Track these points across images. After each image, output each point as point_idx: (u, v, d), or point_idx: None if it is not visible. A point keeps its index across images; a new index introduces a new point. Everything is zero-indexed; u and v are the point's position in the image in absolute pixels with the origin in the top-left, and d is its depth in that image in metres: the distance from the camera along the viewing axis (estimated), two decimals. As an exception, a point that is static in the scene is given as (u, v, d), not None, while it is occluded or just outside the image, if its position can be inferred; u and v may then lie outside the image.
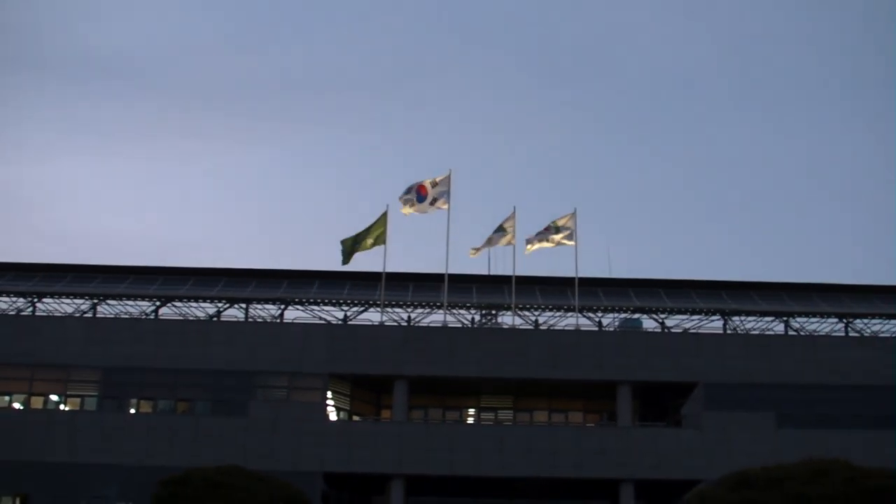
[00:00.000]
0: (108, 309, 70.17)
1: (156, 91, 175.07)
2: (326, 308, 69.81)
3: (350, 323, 68.27)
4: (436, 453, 61.53)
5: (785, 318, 69.83)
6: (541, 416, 67.92)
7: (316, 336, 64.39)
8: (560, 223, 67.49)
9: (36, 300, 69.43)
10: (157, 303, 69.45)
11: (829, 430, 61.19)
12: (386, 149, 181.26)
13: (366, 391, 67.14)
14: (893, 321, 70.37)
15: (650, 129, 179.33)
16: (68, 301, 70.09)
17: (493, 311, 70.28)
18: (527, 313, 70.11)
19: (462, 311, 70.19)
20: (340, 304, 69.79)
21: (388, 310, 69.10)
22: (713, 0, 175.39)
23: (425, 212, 66.70)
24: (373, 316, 68.52)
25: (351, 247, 66.07)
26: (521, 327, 68.23)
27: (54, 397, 64.45)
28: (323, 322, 68.31)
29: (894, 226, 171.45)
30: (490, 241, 67.25)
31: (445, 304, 67.07)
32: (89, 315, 68.99)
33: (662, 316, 70.21)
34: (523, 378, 64.21)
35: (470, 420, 68.14)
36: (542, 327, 69.31)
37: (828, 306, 70.78)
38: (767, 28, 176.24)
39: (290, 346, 63.66)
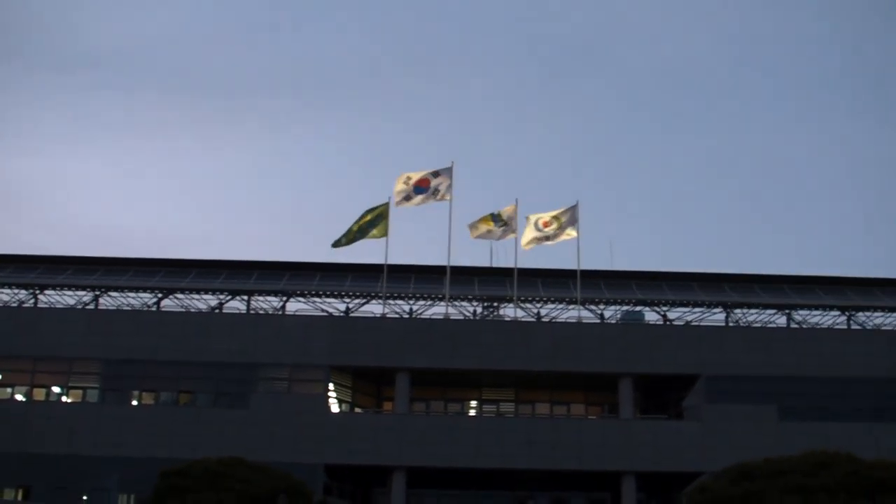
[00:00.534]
0: (109, 301, 70.17)
1: (158, 84, 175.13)
2: (328, 300, 69.80)
3: (352, 315, 68.22)
4: (437, 445, 61.51)
5: (787, 311, 69.78)
6: (542, 409, 67.88)
7: (317, 328, 64.39)
8: (557, 215, 67.43)
9: (38, 292, 69.41)
10: (159, 295, 69.41)
11: (831, 422, 61.17)
12: (388, 140, 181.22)
13: (367, 383, 67.13)
14: (895, 314, 70.29)
15: (653, 121, 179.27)
16: (70, 293, 70.10)
17: (495, 304, 70.23)
18: (529, 305, 70.08)
19: (464, 304, 70.16)
20: (342, 297, 69.73)
21: (390, 302, 69.09)
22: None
23: (427, 203, 66.69)
24: (374, 308, 68.66)
25: (346, 231, 66.04)
26: (522, 319, 68.19)
27: (56, 389, 64.46)
28: (324, 314, 68.28)
29: (893, 218, 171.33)
30: (490, 230, 67.10)
31: (447, 296, 67.03)
32: (91, 307, 68.97)
33: (664, 308, 70.16)
34: (525, 370, 64.21)
35: (471, 412, 68.09)
36: (543, 320, 69.27)
37: (830, 299, 70.72)
38: (769, 20, 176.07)
39: (292, 338, 63.65)
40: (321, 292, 69.57)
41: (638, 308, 70.67)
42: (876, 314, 70.38)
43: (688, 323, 69.08)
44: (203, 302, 69.96)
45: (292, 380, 63.33)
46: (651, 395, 67.23)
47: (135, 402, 63.70)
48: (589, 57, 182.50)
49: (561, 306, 70.32)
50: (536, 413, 67.37)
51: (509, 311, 69.63)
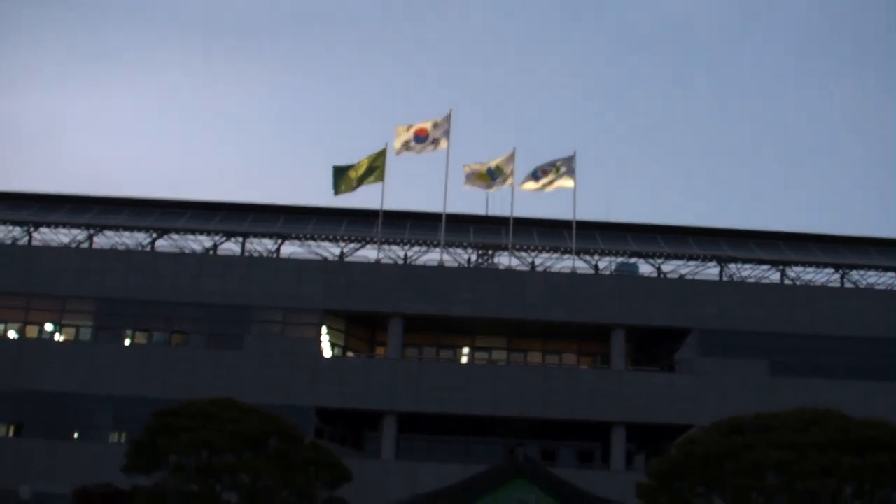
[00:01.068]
0: (104, 240, 69.97)
1: (155, 24, 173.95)
2: (323, 244, 69.66)
3: (346, 260, 68.18)
4: (429, 391, 61.74)
5: (781, 268, 69.78)
6: (534, 358, 68.00)
7: (312, 272, 64.43)
8: (555, 163, 67.31)
9: (32, 230, 69.16)
10: (154, 235, 69.23)
11: (822, 379, 61.41)
12: (385, 86, 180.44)
13: (360, 328, 67.20)
14: (890, 273, 70.35)
15: (652, 73, 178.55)
16: (65, 231, 69.86)
17: (490, 252, 70.16)
18: (523, 254, 70.03)
19: (459, 251, 70.10)
20: (337, 241, 69.62)
21: (385, 247, 68.97)
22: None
23: (424, 151, 66.59)
24: (369, 253, 68.45)
25: (344, 176, 65.94)
26: (517, 268, 68.18)
27: (49, 327, 64.50)
28: (319, 258, 68.20)
29: (893, 178, 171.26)
30: (485, 179, 67.01)
31: (442, 243, 67.01)
32: (85, 246, 68.80)
33: (659, 261, 70.13)
34: (518, 319, 64.36)
35: (464, 359, 68.25)
36: (538, 269, 69.25)
37: (825, 257, 70.73)
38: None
39: (286, 281, 63.70)
40: (316, 236, 69.44)
41: (632, 260, 70.61)
42: (870, 273, 70.38)
43: (682, 276, 69.09)
44: (198, 243, 69.83)
45: (286, 323, 63.44)
46: (643, 347, 67.38)
47: (128, 342, 63.77)
48: (589, 5, 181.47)
49: (556, 256, 70.27)
50: (528, 362, 67.51)
51: (504, 260, 69.69)
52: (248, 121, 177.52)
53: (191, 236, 69.82)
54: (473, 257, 70.39)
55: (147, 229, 69.19)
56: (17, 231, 69.62)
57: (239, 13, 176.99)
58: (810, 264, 70.12)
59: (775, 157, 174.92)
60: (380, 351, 66.83)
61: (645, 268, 70.12)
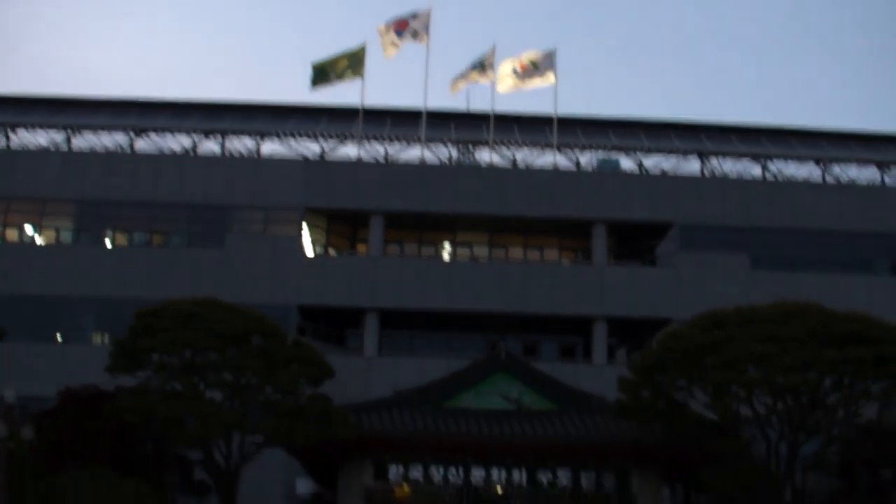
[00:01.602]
0: (82, 142, 69.29)
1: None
2: (303, 142, 69.26)
3: (327, 158, 67.84)
4: (410, 288, 61.94)
5: (763, 161, 69.70)
6: (516, 254, 68.06)
7: (292, 170, 64.21)
8: (535, 59, 66.90)
9: (10, 132, 68.42)
10: (133, 135, 68.59)
11: (802, 273, 61.68)
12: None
13: (342, 226, 67.10)
14: (871, 168, 70.31)
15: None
16: (43, 132, 69.17)
17: (471, 148, 69.86)
18: (504, 150, 69.79)
19: (440, 148, 69.78)
20: (317, 138, 69.21)
21: (366, 144, 68.63)
22: None
23: (402, 44, 66.15)
24: (350, 151, 68.12)
25: (322, 72, 65.52)
26: (498, 165, 67.99)
27: (29, 230, 64.21)
28: (300, 157, 67.82)
29: (875, 71, 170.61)
30: (468, 78, 66.74)
31: (423, 139, 66.75)
32: (64, 148, 68.13)
33: (640, 156, 69.99)
34: (499, 215, 64.38)
35: (445, 256, 68.28)
36: (519, 165, 69.04)
37: (806, 151, 70.69)
38: None
39: (267, 180, 63.48)
40: (296, 134, 69.02)
41: (614, 155, 70.42)
42: (851, 167, 70.39)
43: (663, 171, 68.96)
44: (177, 143, 69.27)
45: (267, 222, 63.32)
46: (625, 242, 67.46)
47: (109, 244, 63.59)
48: None
49: (537, 152, 70.05)
50: (510, 258, 67.62)
51: (485, 156, 69.41)
52: (225, 17, 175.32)
53: (170, 136, 69.25)
54: (454, 154, 70.10)
55: (126, 129, 68.58)
56: (-6, 134, 68.90)
57: None
58: (792, 158, 70.16)
59: (757, 50, 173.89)
60: (361, 248, 66.79)
61: (626, 163, 70.01)
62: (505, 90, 67.48)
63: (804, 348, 38.97)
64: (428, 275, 62.86)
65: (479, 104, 70.23)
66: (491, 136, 66.97)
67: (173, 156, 66.76)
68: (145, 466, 43.66)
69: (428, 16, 66.45)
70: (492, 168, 66.62)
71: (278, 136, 69.00)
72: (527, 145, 69.70)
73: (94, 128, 68.62)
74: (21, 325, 60.42)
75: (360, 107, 66.20)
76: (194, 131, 68.72)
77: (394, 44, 66.11)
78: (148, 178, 63.27)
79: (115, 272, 61.23)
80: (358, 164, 65.32)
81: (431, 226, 66.80)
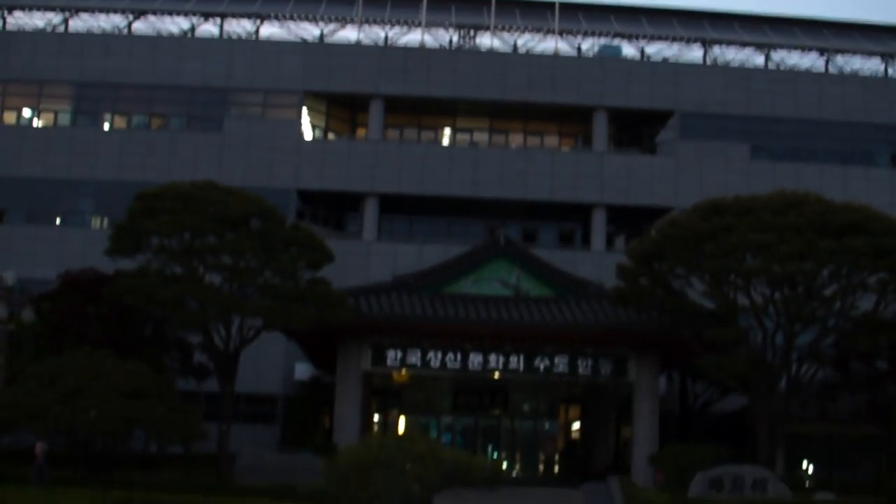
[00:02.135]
0: (80, 24, 68.49)
1: None
2: (302, 25, 68.57)
3: (326, 41, 67.22)
4: (410, 173, 61.77)
5: (766, 51, 69.11)
6: (516, 139, 67.79)
7: (292, 53, 63.61)
8: None
9: (6, 13, 67.59)
10: (130, 17, 67.82)
11: (802, 163, 61.49)
12: None
13: (341, 109, 66.67)
14: (874, 59, 69.71)
15: None
16: (39, 14, 68.35)
17: (472, 32, 69.18)
18: (506, 35, 69.15)
19: (440, 31, 69.13)
20: (317, 21, 68.51)
21: (366, 27, 67.97)
22: None
23: None
24: (349, 34, 67.44)
25: None
26: (499, 49, 67.43)
27: (27, 113, 63.84)
28: (299, 39, 67.20)
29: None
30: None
31: (423, 23, 66.09)
32: (61, 30, 67.40)
33: (642, 43, 69.40)
34: (499, 100, 63.92)
35: (445, 141, 68.00)
36: (520, 50, 68.45)
37: (809, 41, 70.03)
38: None
39: (266, 63, 62.92)
40: (296, 16, 68.32)
41: (615, 42, 69.78)
42: (854, 58, 69.77)
43: (665, 59, 68.40)
44: (175, 25, 68.53)
45: (266, 105, 62.98)
46: (625, 129, 67.15)
47: (107, 126, 63.28)
48: None
49: (538, 37, 69.42)
50: (510, 143, 67.39)
51: (486, 41, 68.74)
52: None
53: (168, 18, 68.49)
54: (455, 38, 69.45)
55: (124, 11, 67.80)
56: (-11, 16, 68.09)
57: None
58: (795, 48, 69.53)
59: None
60: (361, 133, 66.49)
61: (628, 49, 69.40)
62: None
63: (802, 238, 39.08)
64: (427, 160, 62.62)
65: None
66: (492, 21, 66.29)
67: (172, 37, 66.04)
68: (145, 349, 44.07)
69: None
70: (492, 53, 66.02)
71: (277, 19, 68.30)
72: (528, 31, 69.05)
73: (92, 9, 67.83)
74: (20, 208, 60.69)
75: (359, -11, 65.44)
76: (193, 14, 67.98)
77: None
78: (146, 60, 62.63)
79: (113, 155, 60.95)
80: (357, 47, 64.71)
81: (431, 111, 66.40)
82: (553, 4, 66.44)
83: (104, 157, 60.89)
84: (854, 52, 69.51)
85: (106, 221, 59.53)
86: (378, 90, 63.08)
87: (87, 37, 65.21)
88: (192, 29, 67.54)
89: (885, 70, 68.90)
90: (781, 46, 69.24)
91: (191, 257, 41.85)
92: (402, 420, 55.74)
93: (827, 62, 68.90)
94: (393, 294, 46.82)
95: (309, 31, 68.38)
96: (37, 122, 63.64)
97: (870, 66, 69.67)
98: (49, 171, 60.69)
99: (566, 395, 56.34)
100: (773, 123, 63.12)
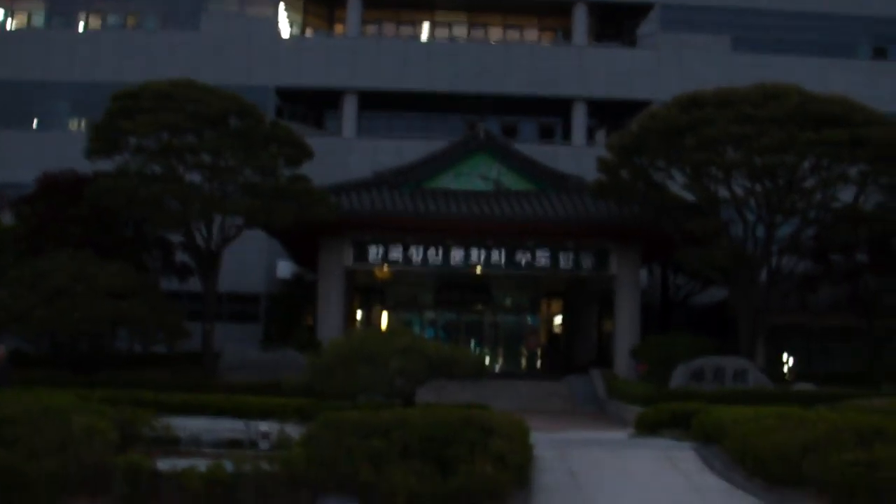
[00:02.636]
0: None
1: None
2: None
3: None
4: (388, 68, 61.33)
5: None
6: (495, 33, 67.26)
7: (267, -54, 62.86)
8: None
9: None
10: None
11: (784, 56, 60.98)
12: None
13: (319, 5, 66.02)
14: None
15: None
16: None
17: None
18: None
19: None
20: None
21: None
22: None
23: None
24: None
25: None
26: (477, -60, 66.70)
27: (0, 14, 63.02)
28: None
29: None
30: None
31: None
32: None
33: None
34: (478, -6, 63.47)
35: (424, 36, 67.39)
36: (498, -59, 67.62)
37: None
38: None
39: (241, -43, 62.23)
40: None
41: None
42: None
43: (645, -51, 67.65)
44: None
45: (243, 2, 62.36)
46: (606, 22, 66.63)
47: (82, 26, 62.52)
48: None
49: (517, -71, 68.51)
50: (489, 38, 66.85)
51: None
52: None
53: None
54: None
55: None
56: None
57: None
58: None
59: None
60: (339, 29, 65.89)
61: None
62: None
63: (782, 130, 39.00)
64: (406, 55, 62.14)
65: None
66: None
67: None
68: (126, 250, 43.96)
69: None
70: (470, -55, 65.34)
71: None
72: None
73: None
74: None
75: None
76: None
77: None
78: (120, -43, 61.90)
79: (89, 56, 60.29)
80: (334, -59, 64.00)
81: (410, 5, 65.73)
82: None
83: (80, 59, 60.21)
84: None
85: (83, 123, 58.97)
86: (355, -17, 62.51)
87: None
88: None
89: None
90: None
91: (170, 156, 41.54)
92: (384, 316, 56.10)
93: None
94: (374, 190, 46.83)
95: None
96: (10, 24, 62.80)
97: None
98: (24, 74, 59.98)
99: (548, 289, 56.74)
100: (755, 15, 62.55)
